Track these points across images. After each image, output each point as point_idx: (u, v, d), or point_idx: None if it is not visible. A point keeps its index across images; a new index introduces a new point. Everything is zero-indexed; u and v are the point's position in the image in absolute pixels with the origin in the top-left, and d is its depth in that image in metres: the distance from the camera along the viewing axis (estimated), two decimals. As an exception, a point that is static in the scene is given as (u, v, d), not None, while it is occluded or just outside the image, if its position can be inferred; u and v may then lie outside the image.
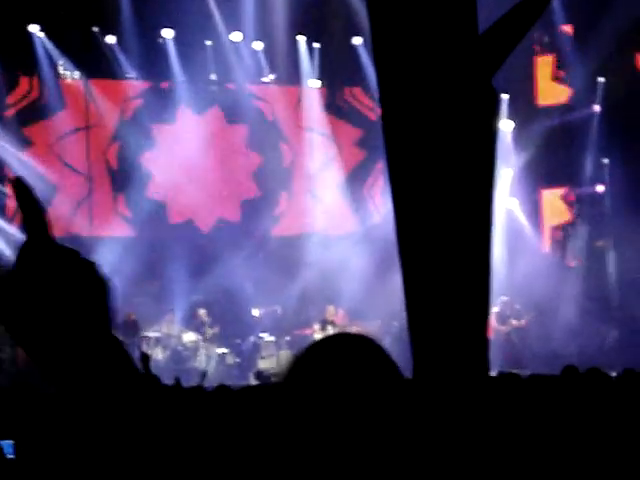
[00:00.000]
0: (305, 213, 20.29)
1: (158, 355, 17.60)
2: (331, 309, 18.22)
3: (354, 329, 17.73)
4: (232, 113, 19.86)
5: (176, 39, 18.96)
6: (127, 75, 19.07)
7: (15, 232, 17.57)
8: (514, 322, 18.52)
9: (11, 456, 6.60)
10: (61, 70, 18.69)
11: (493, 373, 7.65)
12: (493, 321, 17.76)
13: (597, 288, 18.96)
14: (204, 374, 13.01)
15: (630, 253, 19.41)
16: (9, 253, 17.49)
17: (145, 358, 13.26)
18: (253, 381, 16.75)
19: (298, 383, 1.72)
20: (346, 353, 1.74)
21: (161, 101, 19.34)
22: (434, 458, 1.78)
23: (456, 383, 7.21)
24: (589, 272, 19.44)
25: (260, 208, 20.03)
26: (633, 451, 5.01)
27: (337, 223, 20.24)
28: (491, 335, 15.17)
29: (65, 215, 18.67)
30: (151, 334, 17.80)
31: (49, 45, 18.35)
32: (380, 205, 19.69)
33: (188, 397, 7.09)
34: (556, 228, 20.43)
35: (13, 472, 4.91)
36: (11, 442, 6.78)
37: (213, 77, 19.51)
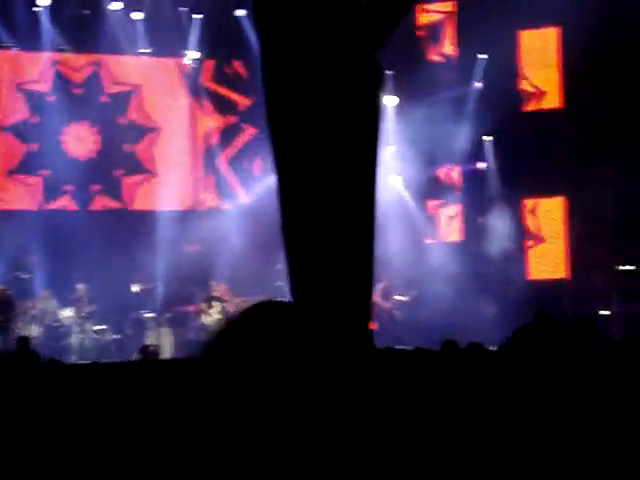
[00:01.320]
0: (179, 188, 20.04)
1: (34, 332, 17.18)
2: (214, 284, 18.08)
3: (237, 303, 17.64)
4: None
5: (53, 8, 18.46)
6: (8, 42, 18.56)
7: None
8: (398, 298, 18.67)
9: None
10: None
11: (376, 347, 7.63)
12: (377, 297, 17.86)
13: (477, 264, 19.25)
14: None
15: (510, 230, 19.79)
16: None
17: (23, 339, 13.03)
18: (135, 357, 16.50)
19: (232, 351, 1.71)
20: (277, 320, 1.75)
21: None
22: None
23: (339, 358, 7.18)
24: (470, 249, 19.73)
25: (138, 181, 19.76)
26: (510, 425, 5.03)
27: (214, 197, 20.08)
28: (375, 311, 15.21)
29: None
30: (27, 310, 17.36)
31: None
32: (261, 179, 19.65)
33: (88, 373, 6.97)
34: (438, 205, 20.66)
35: None
36: None
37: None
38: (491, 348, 8.00)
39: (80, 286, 17.64)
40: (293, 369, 1.71)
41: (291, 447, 1.67)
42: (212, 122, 20.31)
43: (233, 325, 1.76)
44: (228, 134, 20.39)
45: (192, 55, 19.80)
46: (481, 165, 20.25)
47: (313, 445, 1.69)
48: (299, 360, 1.71)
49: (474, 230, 20.13)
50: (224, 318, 17.26)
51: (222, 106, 20.39)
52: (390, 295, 18.63)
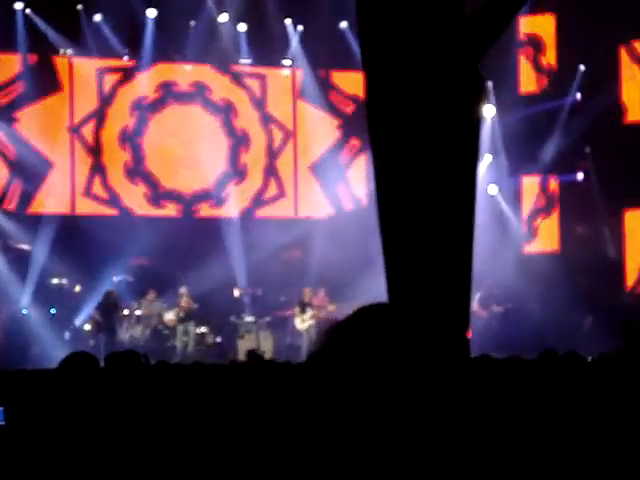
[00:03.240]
0: (286, 196, 20.32)
1: (138, 334, 17.54)
2: (307, 291, 18.22)
3: (331, 310, 17.78)
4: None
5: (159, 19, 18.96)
6: (121, 53, 19.09)
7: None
8: (495, 308, 18.52)
9: (1, 422, 6.75)
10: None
11: (472, 356, 7.69)
12: (475, 305, 17.79)
13: (574, 275, 19.03)
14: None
15: (608, 239, 19.54)
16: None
17: (145, 357, 13.59)
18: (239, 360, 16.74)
19: (343, 352, 1.78)
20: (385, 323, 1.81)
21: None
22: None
23: (436, 367, 7.28)
24: (567, 259, 19.52)
25: (243, 190, 20.07)
26: (605, 434, 5.06)
27: (315, 206, 20.25)
28: (472, 319, 15.19)
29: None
30: (132, 312, 17.74)
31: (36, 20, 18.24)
32: (358, 187, 19.80)
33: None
34: (535, 214, 20.50)
35: (3, 438, 5.01)
36: (1, 409, 6.92)
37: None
38: (588, 358, 8.00)
39: (182, 289, 17.96)
40: (393, 373, 1.76)
41: (388, 449, 1.73)
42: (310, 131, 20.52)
43: (342, 327, 1.82)
44: (325, 144, 20.58)
45: (290, 66, 20.10)
46: (580, 175, 20.06)
47: (409, 447, 1.75)
48: (399, 364, 1.77)
49: (572, 240, 19.93)
50: (318, 324, 17.43)
51: (318, 115, 20.54)
52: (488, 304, 18.51)
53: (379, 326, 1.79)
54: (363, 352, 1.76)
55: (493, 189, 19.83)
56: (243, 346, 17.30)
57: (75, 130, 19.01)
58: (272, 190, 20.30)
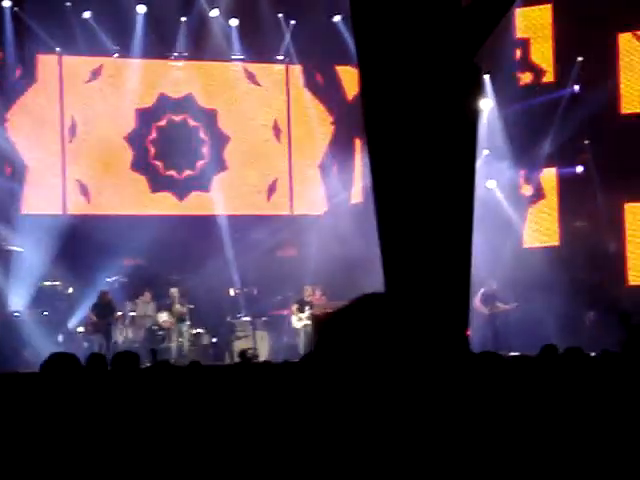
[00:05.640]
0: (281, 193, 20.20)
1: (132, 335, 17.39)
2: (308, 289, 18.08)
3: (328, 309, 17.60)
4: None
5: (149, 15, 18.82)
6: (111, 49, 18.92)
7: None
8: (499, 305, 18.30)
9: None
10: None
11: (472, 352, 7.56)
12: (477, 302, 17.63)
13: (576, 269, 18.92)
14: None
15: (608, 234, 19.41)
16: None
17: (153, 352, 13.50)
18: (232, 361, 16.60)
19: (333, 348, 1.71)
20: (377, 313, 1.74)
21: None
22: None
23: (435, 363, 7.14)
24: (568, 253, 19.39)
25: (238, 188, 19.92)
26: (609, 431, 4.98)
27: (311, 203, 20.12)
28: (475, 316, 15.08)
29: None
30: (126, 313, 17.56)
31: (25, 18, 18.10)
32: (354, 183, 19.64)
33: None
34: (534, 208, 20.37)
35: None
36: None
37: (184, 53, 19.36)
38: (591, 354, 7.88)
39: (173, 290, 17.76)
40: (390, 366, 1.70)
41: (387, 446, 1.67)
42: (306, 126, 20.40)
43: (335, 319, 1.75)
44: (323, 140, 20.45)
45: (283, 61, 19.97)
46: (579, 168, 19.90)
47: (408, 443, 1.69)
48: (396, 357, 1.70)
49: (572, 234, 19.80)
50: (314, 321, 17.29)
51: (313, 111, 20.42)
52: (491, 301, 18.30)
53: (376, 315, 1.73)
54: (358, 345, 1.69)
55: (491, 183, 19.66)
56: (239, 346, 17.15)
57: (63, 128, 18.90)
58: (267, 187, 20.17)
